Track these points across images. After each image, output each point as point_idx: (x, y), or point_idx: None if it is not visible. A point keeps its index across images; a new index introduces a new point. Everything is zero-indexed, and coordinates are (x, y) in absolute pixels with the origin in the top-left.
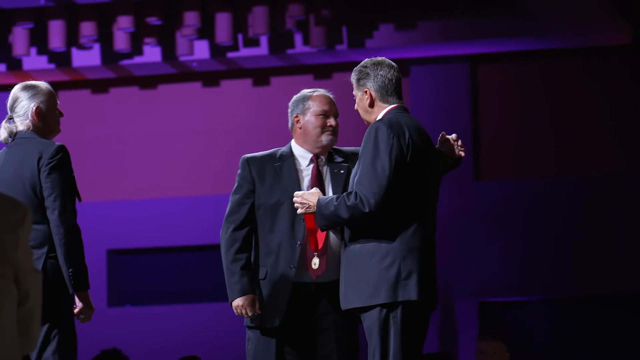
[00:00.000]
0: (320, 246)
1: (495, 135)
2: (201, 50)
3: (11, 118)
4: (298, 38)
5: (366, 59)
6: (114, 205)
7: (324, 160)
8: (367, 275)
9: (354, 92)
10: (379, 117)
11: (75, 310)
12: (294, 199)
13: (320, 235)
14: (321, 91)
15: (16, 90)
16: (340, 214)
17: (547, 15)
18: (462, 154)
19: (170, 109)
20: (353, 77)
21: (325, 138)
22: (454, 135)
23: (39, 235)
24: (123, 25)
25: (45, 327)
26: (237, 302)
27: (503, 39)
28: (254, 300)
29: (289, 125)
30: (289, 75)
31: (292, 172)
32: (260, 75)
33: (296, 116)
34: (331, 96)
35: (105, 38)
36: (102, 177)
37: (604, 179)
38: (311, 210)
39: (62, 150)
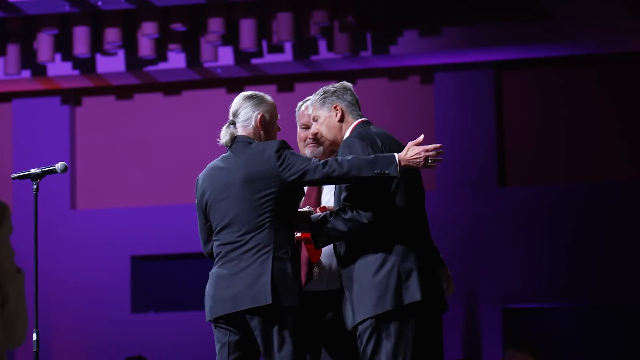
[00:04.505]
0: (316, 259)
1: (520, 141)
2: (225, 56)
3: (233, 123)
4: (322, 44)
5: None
6: (138, 211)
7: None
8: (370, 286)
9: (314, 116)
10: (347, 133)
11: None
12: None
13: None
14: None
15: (240, 97)
16: (339, 229)
17: (572, 22)
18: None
19: (195, 115)
20: (315, 101)
21: (307, 150)
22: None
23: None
24: (147, 32)
25: (275, 328)
26: None
27: (528, 46)
28: None
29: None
30: (313, 81)
31: None
32: (284, 82)
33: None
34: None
35: (129, 44)
36: (126, 183)
37: (628, 185)
38: (306, 230)
39: (282, 141)
